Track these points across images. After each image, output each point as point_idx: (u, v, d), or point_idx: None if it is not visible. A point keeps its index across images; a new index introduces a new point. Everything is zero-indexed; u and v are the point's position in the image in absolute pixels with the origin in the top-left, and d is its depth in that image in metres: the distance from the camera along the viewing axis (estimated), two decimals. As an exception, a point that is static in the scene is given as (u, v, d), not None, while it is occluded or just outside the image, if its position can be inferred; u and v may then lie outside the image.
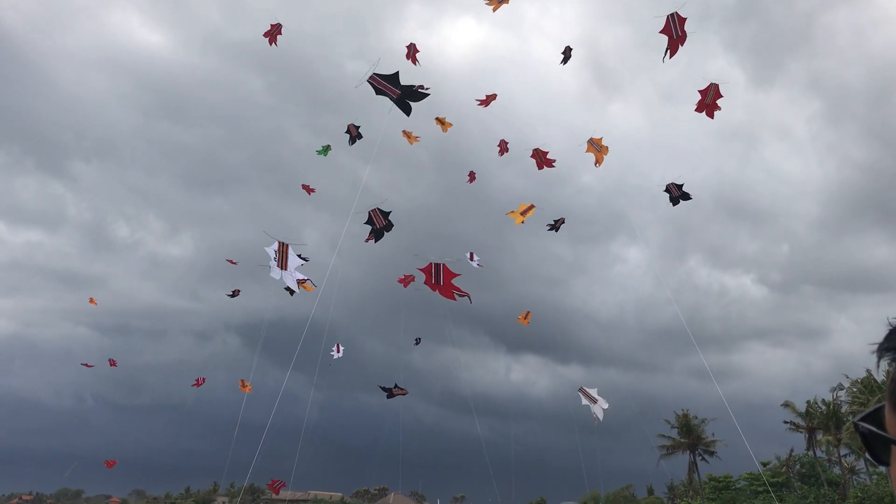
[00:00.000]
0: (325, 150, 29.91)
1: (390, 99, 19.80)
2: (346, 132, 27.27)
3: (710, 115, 22.31)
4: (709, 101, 22.02)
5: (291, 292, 26.00)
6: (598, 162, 26.78)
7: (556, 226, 30.16)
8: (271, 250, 20.74)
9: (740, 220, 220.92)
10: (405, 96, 19.86)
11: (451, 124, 27.87)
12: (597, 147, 26.62)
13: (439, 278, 21.87)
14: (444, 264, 22.28)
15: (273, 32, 24.74)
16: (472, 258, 29.99)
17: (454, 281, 21.99)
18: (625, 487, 72.48)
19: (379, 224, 23.51)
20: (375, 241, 23.88)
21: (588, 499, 77.98)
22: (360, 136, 27.26)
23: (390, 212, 23.63)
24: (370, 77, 19.39)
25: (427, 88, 19.69)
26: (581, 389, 29.22)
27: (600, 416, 28.34)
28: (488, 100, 27.70)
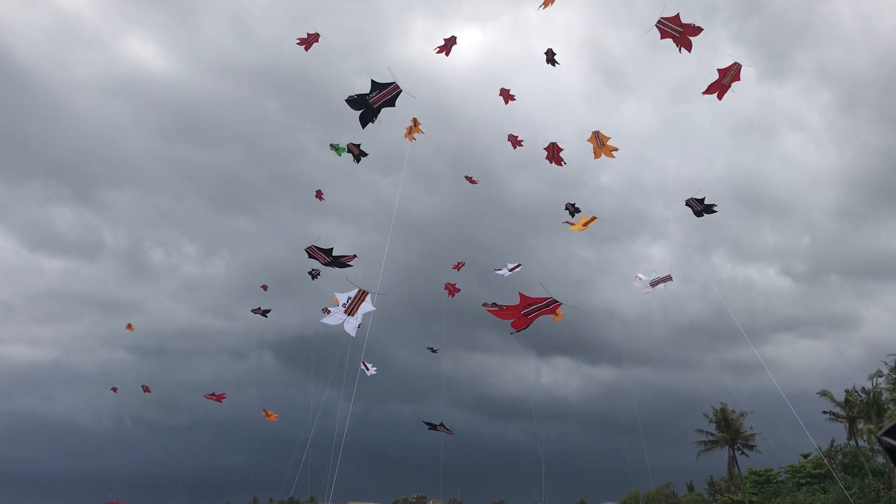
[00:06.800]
0: (339, 149, 29.83)
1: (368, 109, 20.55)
2: (349, 152, 27.67)
3: (720, 97, 21.64)
4: (726, 81, 21.18)
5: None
6: (596, 154, 26.21)
7: (571, 210, 30.06)
8: (345, 297, 20.02)
9: (760, 213, 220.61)
10: (378, 102, 20.53)
11: (422, 132, 27.04)
12: (600, 142, 26.12)
13: (519, 311, 19.96)
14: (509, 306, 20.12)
15: (310, 41, 24.37)
16: (504, 270, 29.39)
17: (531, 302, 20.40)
18: (664, 485, 71.64)
19: (322, 259, 23.96)
20: (326, 265, 24.24)
21: (628, 498, 77.27)
22: (364, 154, 27.78)
23: (331, 248, 24.03)
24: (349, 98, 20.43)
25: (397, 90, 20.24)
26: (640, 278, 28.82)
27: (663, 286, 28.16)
28: (447, 44, 25.73)
